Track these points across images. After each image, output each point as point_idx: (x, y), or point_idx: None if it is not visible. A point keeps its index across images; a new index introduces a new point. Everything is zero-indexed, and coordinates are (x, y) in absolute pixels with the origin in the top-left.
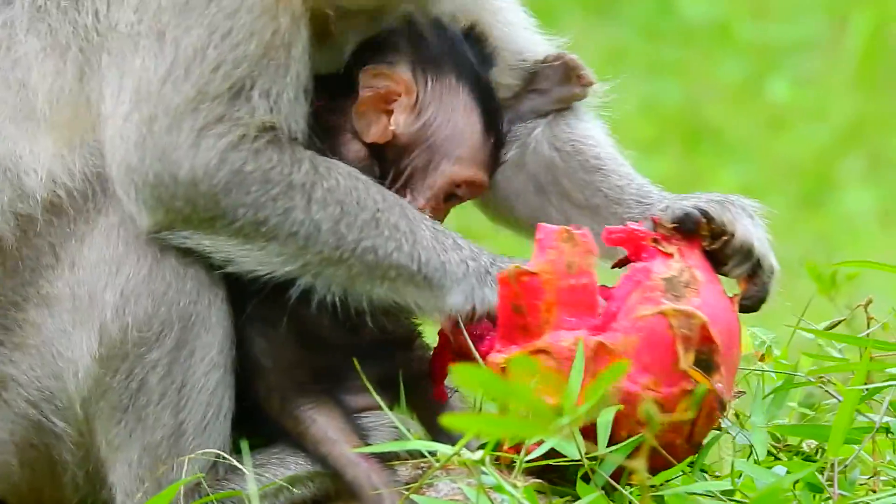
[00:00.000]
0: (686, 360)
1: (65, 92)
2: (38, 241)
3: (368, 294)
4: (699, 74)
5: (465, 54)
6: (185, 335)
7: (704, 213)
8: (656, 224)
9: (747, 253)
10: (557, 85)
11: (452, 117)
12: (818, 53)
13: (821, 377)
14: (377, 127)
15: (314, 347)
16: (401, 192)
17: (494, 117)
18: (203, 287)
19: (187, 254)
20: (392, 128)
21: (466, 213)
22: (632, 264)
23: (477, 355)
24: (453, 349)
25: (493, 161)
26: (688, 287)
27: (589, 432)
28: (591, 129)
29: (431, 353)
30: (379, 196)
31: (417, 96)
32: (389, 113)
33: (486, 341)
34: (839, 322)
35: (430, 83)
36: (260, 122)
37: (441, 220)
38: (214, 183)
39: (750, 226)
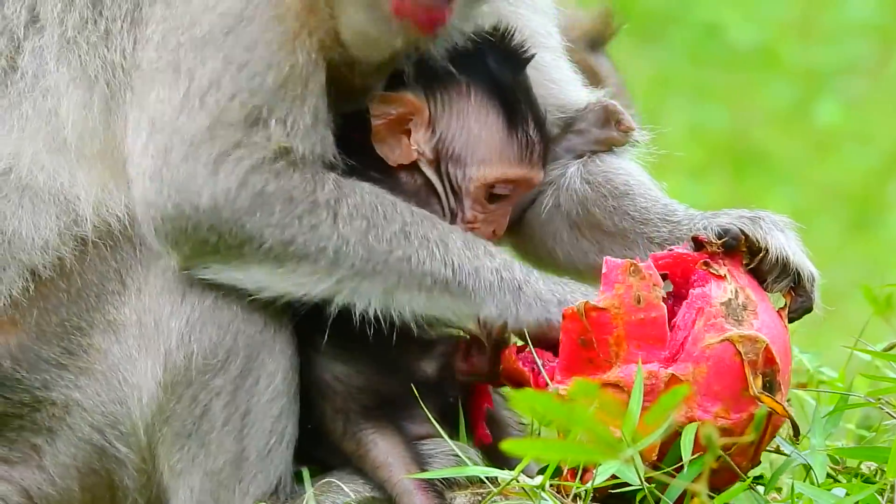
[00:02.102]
0: (756, 385)
1: (90, 125)
2: (103, 267)
3: (407, 307)
4: (746, 99)
5: (480, 58)
6: (249, 363)
7: (740, 230)
8: (700, 243)
9: (784, 266)
10: (596, 127)
11: (466, 123)
12: (865, 76)
13: (878, 398)
14: (399, 150)
15: (385, 373)
16: (451, 210)
17: (518, 112)
18: (269, 316)
19: None
20: (414, 147)
21: None
22: (691, 291)
23: (542, 379)
24: (504, 375)
25: (530, 152)
26: (746, 310)
27: (660, 458)
28: (623, 163)
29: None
30: (407, 211)
31: (429, 112)
32: (408, 133)
33: (542, 372)
34: None
35: (439, 96)
36: (277, 146)
37: (502, 225)
38: (237, 207)
39: (783, 239)
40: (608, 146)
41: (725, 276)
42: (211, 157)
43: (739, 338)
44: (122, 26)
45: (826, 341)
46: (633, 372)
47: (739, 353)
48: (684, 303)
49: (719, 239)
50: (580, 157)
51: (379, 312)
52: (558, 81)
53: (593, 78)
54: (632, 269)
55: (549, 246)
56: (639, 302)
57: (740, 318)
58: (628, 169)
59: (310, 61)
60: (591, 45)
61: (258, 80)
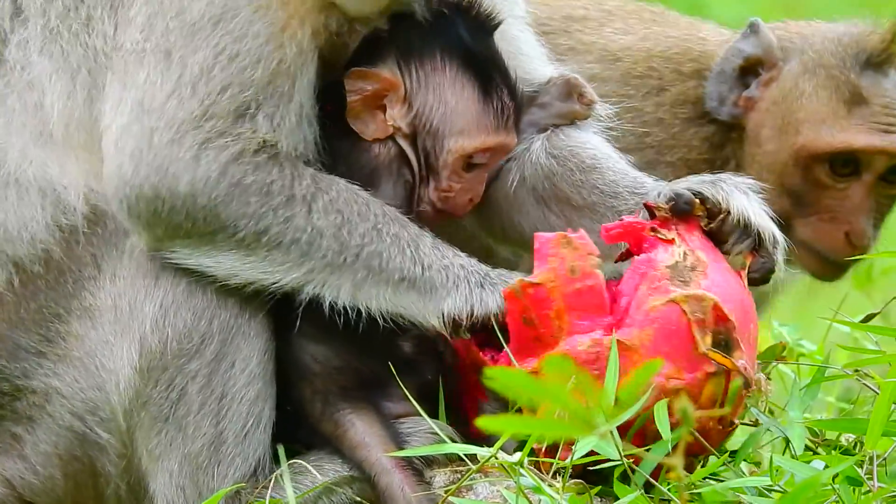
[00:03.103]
0: (704, 343)
1: (75, 116)
2: (82, 253)
3: (374, 301)
4: None
5: (452, 29)
6: (224, 347)
7: (697, 193)
8: (652, 210)
9: (745, 227)
10: (559, 101)
11: (443, 97)
12: None
13: (857, 370)
14: (375, 125)
15: (362, 353)
16: (425, 178)
17: (491, 80)
18: (244, 300)
19: None
20: (390, 122)
21: None
22: (634, 257)
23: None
24: (470, 367)
25: (506, 119)
26: (694, 270)
27: (625, 432)
28: (589, 136)
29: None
30: (379, 210)
31: (405, 87)
32: (383, 109)
33: (499, 359)
34: (875, 314)
35: (413, 71)
36: (261, 139)
37: (478, 192)
38: (215, 195)
39: (745, 201)
40: (570, 119)
41: (674, 239)
42: (195, 144)
43: (685, 297)
44: (102, 12)
45: (806, 314)
46: (577, 343)
47: (685, 312)
48: (627, 269)
49: (668, 203)
50: (543, 130)
51: (347, 305)
52: (524, 54)
53: (855, 98)
54: (563, 241)
55: (516, 220)
56: (573, 272)
57: (687, 278)
58: (594, 143)
59: (300, 54)
60: (864, 63)
61: (248, 73)
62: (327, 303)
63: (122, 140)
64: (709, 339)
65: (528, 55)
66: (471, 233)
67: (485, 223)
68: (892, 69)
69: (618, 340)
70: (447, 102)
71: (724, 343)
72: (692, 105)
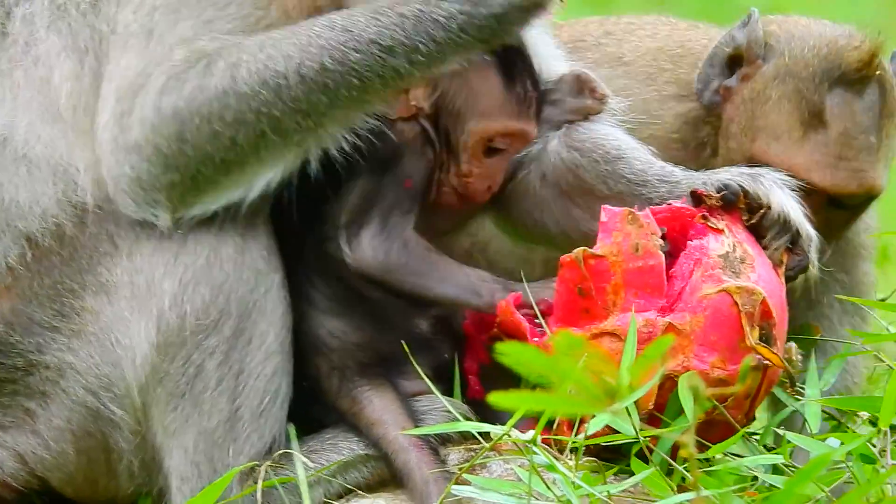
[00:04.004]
0: (753, 337)
1: (82, 100)
2: (96, 229)
3: (371, 112)
4: None
5: None
6: (242, 323)
7: (740, 186)
8: (701, 197)
9: (784, 224)
10: (570, 97)
11: (467, 78)
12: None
13: (874, 347)
14: (399, 104)
15: (380, 329)
16: (445, 162)
17: (514, 66)
18: (260, 275)
19: (245, 241)
20: (413, 102)
21: None
22: (689, 243)
23: (538, 332)
24: (501, 329)
25: (528, 106)
26: (743, 263)
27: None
28: (609, 129)
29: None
30: (292, 47)
31: None
32: (407, 90)
33: (542, 323)
34: (893, 293)
35: None
36: (184, 55)
37: (497, 180)
38: (169, 136)
39: (783, 197)
40: (584, 115)
41: (723, 230)
42: (150, 99)
43: (737, 289)
44: None
45: None
46: (629, 320)
47: (737, 304)
48: (682, 253)
49: (718, 193)
50: (557, 128)
51: (355, 137)
52: (540, 55)
53: (814, 121)
54: (630, 217)
55: (537, 217)
56: (637, 250)
57: (738, 270)
58: (616, 134)
59: (285, 16)
60: (835, 80)
61: (216, 26)
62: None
63: (103, 137)
64: (756, 334)
65: (543, 55)
66: (468, 250)
67: (503, 221)
68: (869, 89)
69: (669, 324)
70: (471, 84)
71: (766, 338)
72: (677, 85)
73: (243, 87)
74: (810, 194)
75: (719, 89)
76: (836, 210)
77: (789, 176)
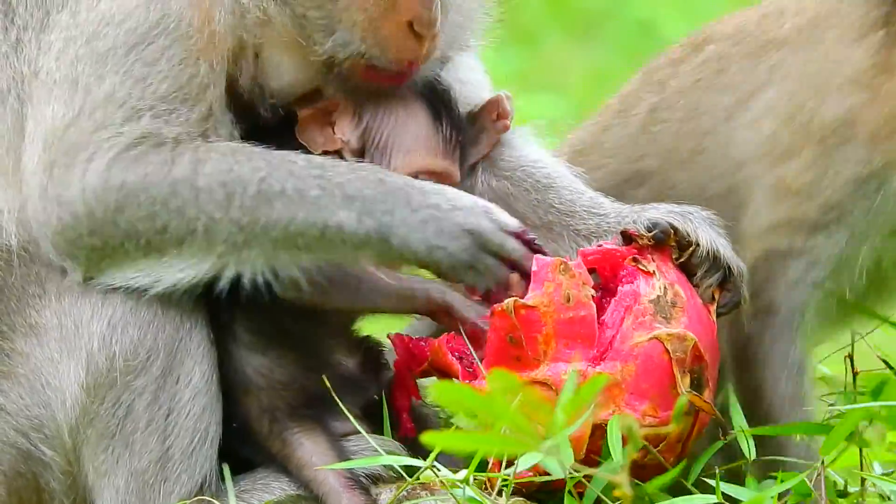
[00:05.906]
0: (684, 384)
1: (5, 140)
2: (24, 271)
3: (295, 263)
4: None
5: None
6: (170, 362)
7: (669, 224)
8: (629, 237)
9: (715, 260)
10: (489, 123)
11: (393, 113)
12: None
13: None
14: (323, 139)
15: (306, 366)
16: None
17: (439, 105)
18: (185, 313)
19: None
20: (339, 136)
21: None
22: (620, 288)
23: (470, 372)
24: (433, 367)
25: (453, 148)
26: (674, 307)
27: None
28: (537, 153)
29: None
30: (262, 162)
31: (354, 104)
32: (333, 124)
33: (471, 368)
34: None
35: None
36: (140, 133)
37: None
38: (107, 206)
39: (713, 234)
40: (495, 142)
41: (654, 272)
42: (83, 160)
43: (668, 336)
44: (31, 35)
45: None
46: (560, 371)
47: (668, 351)
48: (613, 300)
49: (649, 232)
50: (483, 159)
51: (270, 277)
52: (464, 82)
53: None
54: (561, 267)
55: None
56: (568, 300)
57: (669, 315)
58: (546, 161)
59: (212, 72)
60: None
61: (152, 87)
62: (248, 280)
63: (31, 181)
64: (687, 380)
65: (471, 82)
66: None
67: None
68: None
69: (600, 374)
70: (398, 119)
71: (697, 382)
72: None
73: (202, 181)
74: None
75: None
76: None
77: None
